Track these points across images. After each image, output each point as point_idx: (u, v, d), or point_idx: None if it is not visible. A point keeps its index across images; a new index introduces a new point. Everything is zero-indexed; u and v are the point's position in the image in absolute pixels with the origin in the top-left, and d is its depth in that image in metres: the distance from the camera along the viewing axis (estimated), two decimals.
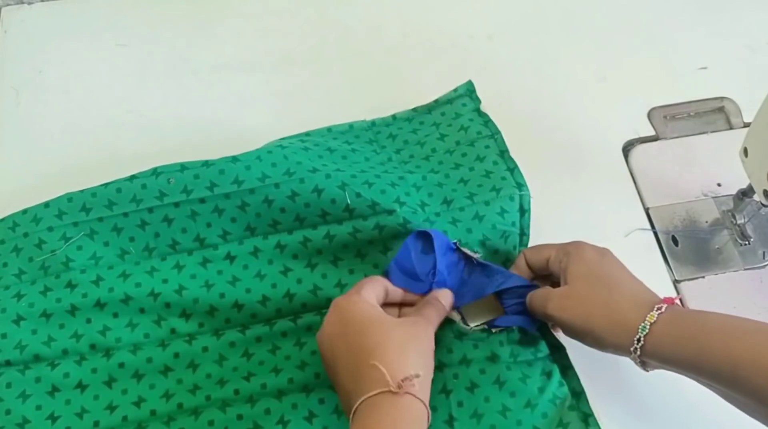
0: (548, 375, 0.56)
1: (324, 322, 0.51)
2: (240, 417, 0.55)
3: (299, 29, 0.77)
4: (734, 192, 0.65)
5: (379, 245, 0.60)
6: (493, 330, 0.57)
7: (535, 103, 0.73)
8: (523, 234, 0.61)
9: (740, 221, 0.66)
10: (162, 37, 0.76)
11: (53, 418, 0.54)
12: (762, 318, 0.61)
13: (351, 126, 0.68)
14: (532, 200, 0.62)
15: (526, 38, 0.77)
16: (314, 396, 0.56)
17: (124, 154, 0.68)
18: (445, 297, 0.56)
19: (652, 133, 0.71)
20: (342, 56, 0.75)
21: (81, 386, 0.56)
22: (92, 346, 0.57)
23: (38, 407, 0.55)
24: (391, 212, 0.59)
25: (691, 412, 0.57)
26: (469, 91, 0.70)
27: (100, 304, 0.58)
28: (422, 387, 0.47)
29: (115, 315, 0.58)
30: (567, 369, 0.57)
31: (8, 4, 0.78)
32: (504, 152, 0.64)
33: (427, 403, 0.47)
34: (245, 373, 0.57)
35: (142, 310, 0.58)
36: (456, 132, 0.67)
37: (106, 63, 0.74)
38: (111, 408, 0.55)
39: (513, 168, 0.63)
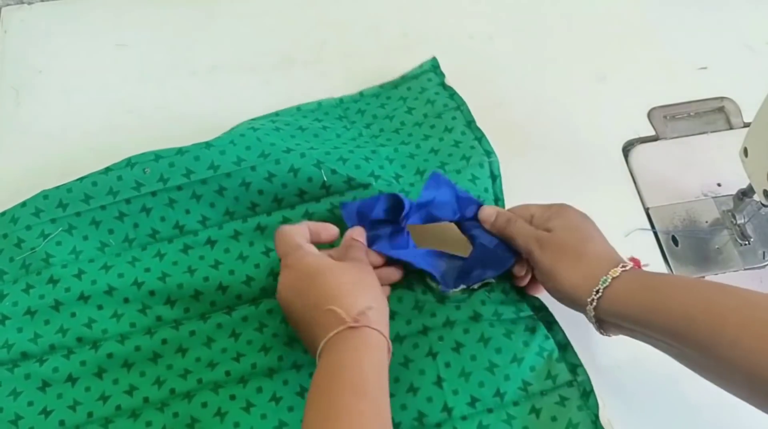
0: (532, 330, 0.57)
1: (278, 283, 0.53)
2: (233, 397, 0.55)
3: (299, 29, 0.77)
4: (734, 192, 0.65)
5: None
6: (475, 286, 0.58)
7: (535, 103, 0.73)
8: (497, 199, 0.63)
9: (740, 221, 0.66)
10: (162, 37, 0.76)
11: (46, 412, 0.54)
12: None
13: (319, 104, 0.69)
14: (532, 200, 0.62)
15: (526, 38, 0.77)
16: (304, 371, 0.56)
17: (124, 154, 0.68)
18: (359, 234, 0.58)
19: (652, 133, 0.71)
20: (342, 56, 0.75)
21: (71, 379, 0.56)
22: (79, 340, 0.57)
23: (30, 403, 0.55)
24: (366, 186, 0.61)
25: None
26: (433, 66, 0.71)
27: (83, 297, 0.58)
28: (378, 319, 0.50)
29: (100, 307, 0.58)
30: (551, 324, 0.58)
31: (8, 4, 0.78)
32: (471, 122, 0.66)
33: (386, 334, 0.50)
34: (234, 354, 0.57)
35: (126, 300, 0.58)
36: (423, 105, 0.68)
37: (106, 63, 0.74)
38: (103, 398, 0.55)
39: (480, 137, 0.65)
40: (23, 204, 0.61)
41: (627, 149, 0.71)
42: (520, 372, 0.55)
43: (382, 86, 0.71)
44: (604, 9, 0.80)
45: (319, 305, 0.50)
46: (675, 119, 0.73)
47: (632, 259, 0.54)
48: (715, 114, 0.73)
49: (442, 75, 0.70)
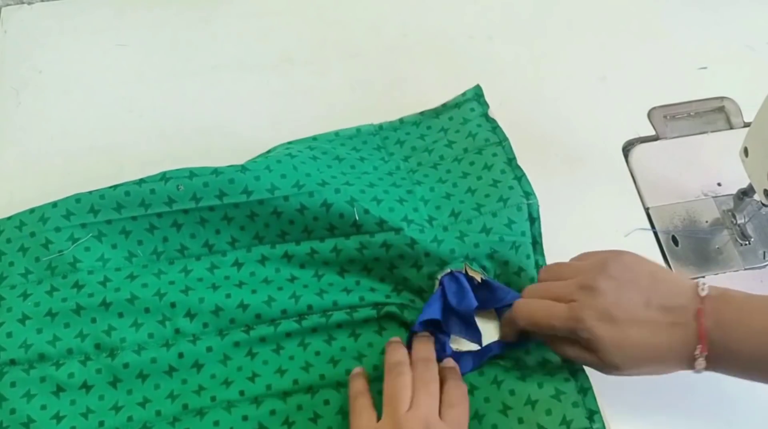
0: (551, 372, 0.56)
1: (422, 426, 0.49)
2: (245, 418, 0.55)
3: (299, 29, 0.77)
4: (734, 192, 0.65)
5: (386, 262, 0.60)
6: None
7: (535, 103, 0.73)
8: (536, 242, 0.61)
9: (740, 221, 0.66)
10: (162, 37, 0.76)
11: (58, 417, 0.54)
12: None
13: (358, 130, 0.68)
14: None
15: (526, 38, 0.77)
16: (319, 397, 0.56)
17: (125, 154, 0.68)
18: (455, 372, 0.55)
19: (652, 133, 0.71)
20: (342, 56, 0.75)
21: (86, 386, 0.56)
22: (97, 346, 0.57)
23: (43, 407, 0.54)
24: (398, 231, 0.59)
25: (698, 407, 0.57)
26: (477, 95, 0.69)
27: (105, 304, 0.58)
28: None
29: (120, 315, 0.58)
30: (576, 369, 0.56)
31: (8, 4, 0.78)
32: (512, 160, 0.64)
33: None
34: (250, 373, 0.56)
35: (147, 310, 0.58)
36: (464, 139, 0.66)
37: (106, 63, 0.74)
38: (116, 408, 0.55)
39: (521, 176, 0.63)
40: (54, 204, 0.60)
41: (627, 149, 0.71)
42: (534, 415, 0.54)
43: (422, 113, 0.69)
44: (604, 9, 0.80)
45: None
46: (675, 119, 0.73)
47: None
48: (715, 114, 0.73)
49: (486, 105, 0.68)
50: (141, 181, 0.60)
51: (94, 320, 0.57)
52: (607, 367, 0.49)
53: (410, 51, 0.76)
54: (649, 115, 0.72)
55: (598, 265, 0.51)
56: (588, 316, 0.48)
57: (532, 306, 0.52)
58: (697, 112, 0.73)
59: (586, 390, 0.55)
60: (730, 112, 0.73)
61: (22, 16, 0.77)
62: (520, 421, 0.54)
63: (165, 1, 0.79)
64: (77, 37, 0.76)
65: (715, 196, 0.68)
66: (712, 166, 0.69)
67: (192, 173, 0.60)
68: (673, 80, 0.75)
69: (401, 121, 0.69)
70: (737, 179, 0.64)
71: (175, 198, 0.60)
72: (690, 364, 0.48)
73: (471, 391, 0.55)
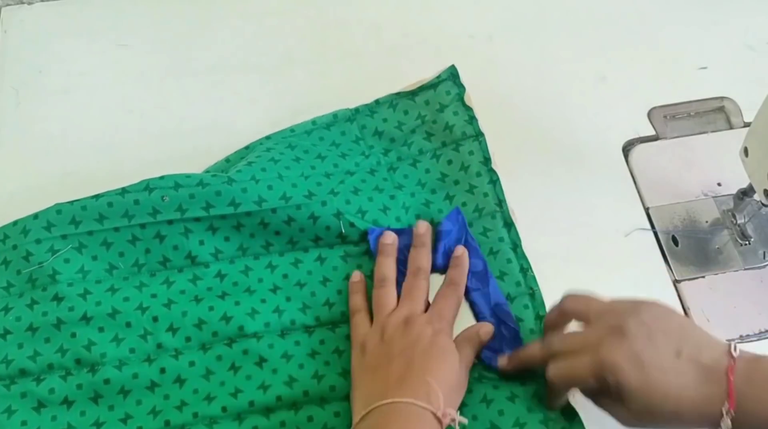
0: (540, 397, 0.55)
1: (401, 322, 0.55)
2: None
3: (299, 29, 0.77)
4: (734, 192, 0.65)
5: (368, 269, 0.61)
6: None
7: (535, 103, 0.73)
8: (516, 246, 0.62)
9: (740, 221, 0.66)
10: (162, 38, 0.76)
11: None
12: (762, 318, 0.62)
13: (335, 116, 0.68)
14: (532, 200, 0.62)
15: (526, 38, 0.77)
16: (303, 414, 0.55)
17: (125, 155, 0.68)
18: (486, 332, 0.57)
19: (652, 133, 0.71)
20: (342, 56, 0.75)
21: (67, 402, 0.55)
22: (77, 361, 0.56)
23: (24, 423, 0.54)
24: None
25: None
26: (452, 75, 0.70)
27: (86, 318, 0.57)
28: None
29: (101, 329, 0.57)
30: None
31: (8, 4, 0.78)
32: (488, 160, 0.65)
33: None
34: (232, 388, 0.56)
35: (128, 325, 0.57)
36: (442, 131, 0.67)
37: (106, 63, 0.74)
38: (97, 424, 0.54)
39: (495, 181, 0.64)
40: (35, 216, 0.59)
41: (627, 149, 0.71)
42: None
43: (398, 94, 0.70)
44: (604, 9, 0.80)
45: (416, 368, 0.51)
46: (675, 119, 0.73)
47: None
48: (715, 114, 0.73)
49: (462, 87, 0.69)
50: (124, 192, 0.59)
51: (74, 335, 0.56)
52: (632, 415, 0.48)
53: (410, 51, 0.75)
54: (649, 115, 0.72)
55: (629, 309, 0.50)
56: (617, 359, 0.47)
57: (564, 370, 0.51)
58: (697, 112, 0.73)
59: (573, 416, 0.55)
60: (730, 112, 0.73)
61: (22, 16, 0.77)
62: None
63: (165, 1, 0.79)
64: (77, 37, 0.76)
65: (715, 196, 0.68)
66: (712, 166, 0.69)
67: (177, 184, 0.60)
68: (673, 80, 0.75)
69: (377, 102, 0.70)
70: (737, 179, 0.64)
71: (159, 208, 0.59)
72: (714, 421, 0.46)
73: (459, 408, 0.54)
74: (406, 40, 0.76)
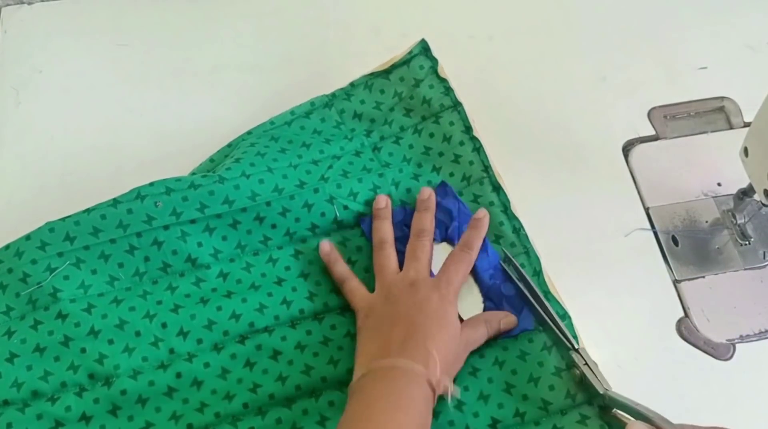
0: (549, 350, 0.57)
1: (407, 284, 0.56)
2: None
3: (299, 29, 0.77)
4: (734, 192, 0.65)
5: (368, 252, 0.61)
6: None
7: (535, 103, 0.73)
8: (506, 208, 0.63)
9: (740, 221, 0.66)
10: (162, 37, 0.76)
11: None
12: (762, 318, 0.62)
13: (312, 103, 0.69)
14: (532, 200, 0.62)
15: (526, 38, 0.77)
16: (323, 399, 0.56)
17: (125, 154, 0.68)
18: (508, 322, 0.58)
19: (652, 133, 0.71)
20: (342, 56, 0.75)
21: (85, 418, 0.54)
22: (91, 376, 0.55)
23: None
24: None
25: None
26: (424, 49, 0.70)
27: (94, 332, 0.56)
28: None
29: (110, 341, 0.56)
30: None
31: (8, 4, 0.78)
32: (469, 129, 0.66)
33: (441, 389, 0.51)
34: (251, 384, 0.56)
35: (137, 334, 0.57)
36: (420, 106, 0.68)
37: (106, 63, 0.74)
38: None
39: (479, 148, 0.65)
40: (27, 237, 0.59)
41: (627, 149, 0.71)
42: (538, 392, 0.55)
43: (372, 74, 0.70)
44: (604, 9, 0.80)
45: (419, 334, 0.52)
46: (675, 119, 0.73)
47: None
48: (715, 114, 0.73)
49: (435, 60, 0.69)
50: (115, 202, 0.59)
51: (84, 350, 0.56)
52: None
53: None
54: (649, 115, 0.72)
55: None
56: None
57: None
58: (697, 112, 0.73)
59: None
60: (730, 112, 0.73)
61: (22, 16, 0.77)
62: (525, 398, 0.55)
63: (165, 1, 0.79)
64: (77, 37, 0.76)
65: (715, 196, 0.68)
66: (712, 166, 0.69)
67: (168, 188, 0.59)
68: (673, 80, 0.75)
69: (352, 84, 0.70)
70: (737, 179, 0.64)
71: (154, 215, 0.59)
72: None
73: (474, 373, 0.56)
74: (406, 40, 0.76)
